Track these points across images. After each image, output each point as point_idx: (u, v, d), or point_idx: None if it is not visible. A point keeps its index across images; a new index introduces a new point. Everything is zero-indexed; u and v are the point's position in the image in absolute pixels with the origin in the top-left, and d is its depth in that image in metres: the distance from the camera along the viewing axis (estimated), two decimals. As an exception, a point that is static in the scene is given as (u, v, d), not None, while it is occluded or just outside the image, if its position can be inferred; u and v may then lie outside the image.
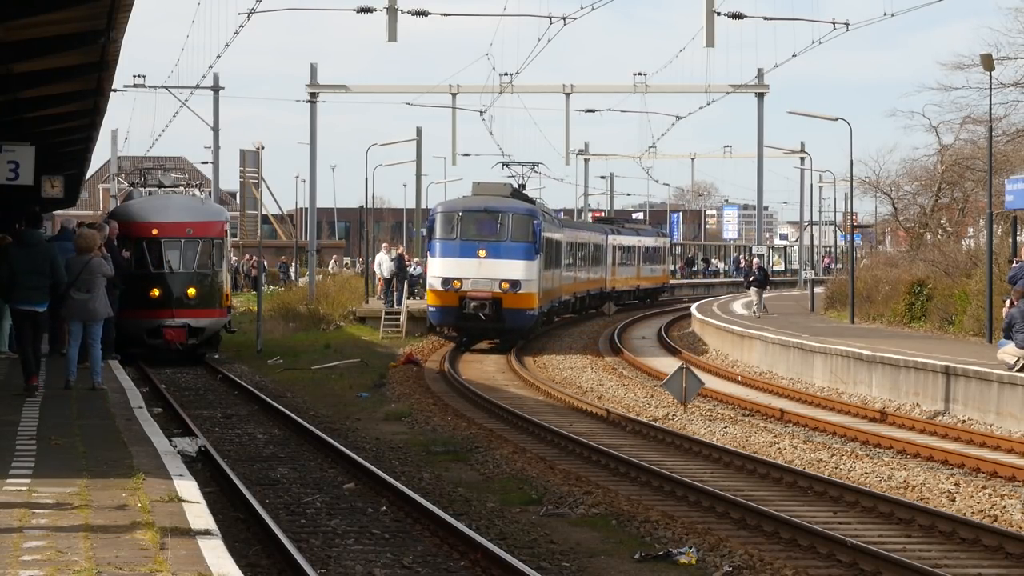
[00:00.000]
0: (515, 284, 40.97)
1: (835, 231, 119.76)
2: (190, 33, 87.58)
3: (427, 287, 43.37)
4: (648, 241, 71.14)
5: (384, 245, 59.48)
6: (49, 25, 18.12)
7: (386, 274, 52.71)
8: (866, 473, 19.85)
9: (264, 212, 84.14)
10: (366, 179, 70.41)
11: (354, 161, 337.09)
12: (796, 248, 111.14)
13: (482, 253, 41.04)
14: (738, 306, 56.67)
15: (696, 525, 15.79)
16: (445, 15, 46.55)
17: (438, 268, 41.63)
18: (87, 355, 20.53)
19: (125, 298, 30.40)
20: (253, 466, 19.93)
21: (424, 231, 48.32)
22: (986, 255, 35.19)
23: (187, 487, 12.16)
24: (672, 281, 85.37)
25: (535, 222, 41.80)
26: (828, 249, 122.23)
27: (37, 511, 10.95)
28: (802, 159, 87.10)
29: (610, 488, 18.24)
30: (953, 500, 17.73)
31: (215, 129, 60.46)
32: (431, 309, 42.47)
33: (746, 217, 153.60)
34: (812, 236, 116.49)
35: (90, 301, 20.05)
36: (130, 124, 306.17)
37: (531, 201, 45.84)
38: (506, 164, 50.06)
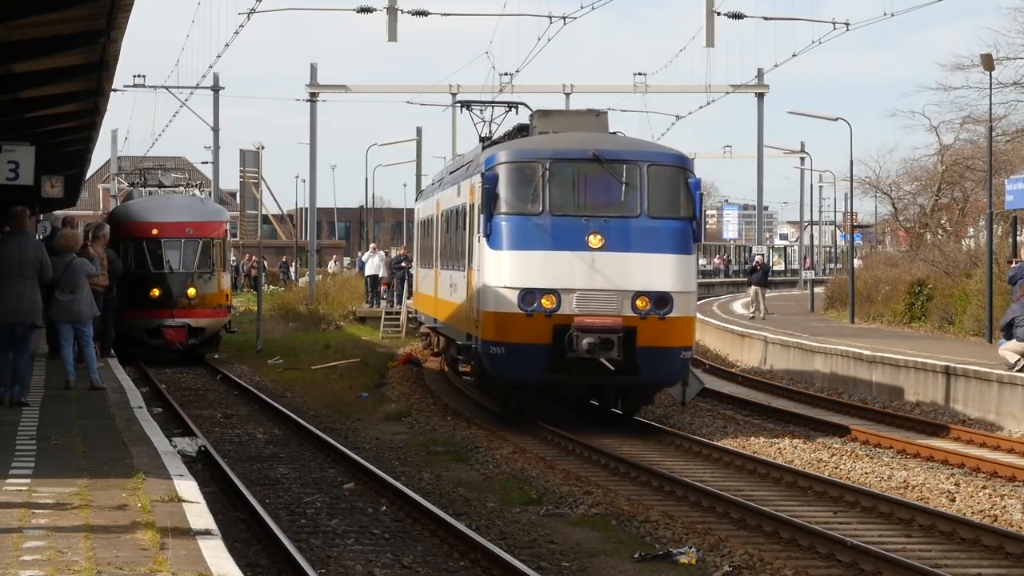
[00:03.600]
0: (663, 301, 23.00)
1: (835, 231, 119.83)
2: (190, 33, 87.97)
3: (475, 305, 24.49)
4: None
5: (372, 246, 59.71)
6: (49, 25, 18.13)
7: (367, 272, 52.89)
8: (866, 473, 19.84)
9: (264, 212, 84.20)
10: (366, 179, 70.87)
11: (354, 161, 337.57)
12: (796, 248, 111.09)
13: (595, 241, 23.08)
14: (738, 306, 56.69)
15: (696, 525, 15.79)
16: (445, 15, 46.70)
17: (508, 271, 23.29)
18: (83, 355, 20.55)
19: (125, 298, 30.43)
20: (253, 466, 19.93)
21: (465, 203, 26.67)
22: (986, 255, 35.21)
23: (187, 487, 12.16)
24: None
25: (691, 180, 23.71)
26: (827, 249, 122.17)
27: (37, 511, 10.95)
28: (802, 159, 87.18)
29: (610, 488, 18.23)
30: (953, 500, 17.73)
31: (215, 129, 60.48)
32: (493, 350, 23.40)
33: (746, 217, 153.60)
34: (812, 236, 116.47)
35: (75, 302, 19.98)
36: (130, 124, 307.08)
37: None
38: (465, 105, 31.70)
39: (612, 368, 22.63)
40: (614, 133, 25.94)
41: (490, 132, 32.03)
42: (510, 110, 32.22)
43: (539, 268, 23.09)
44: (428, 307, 33.44)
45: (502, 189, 23.52)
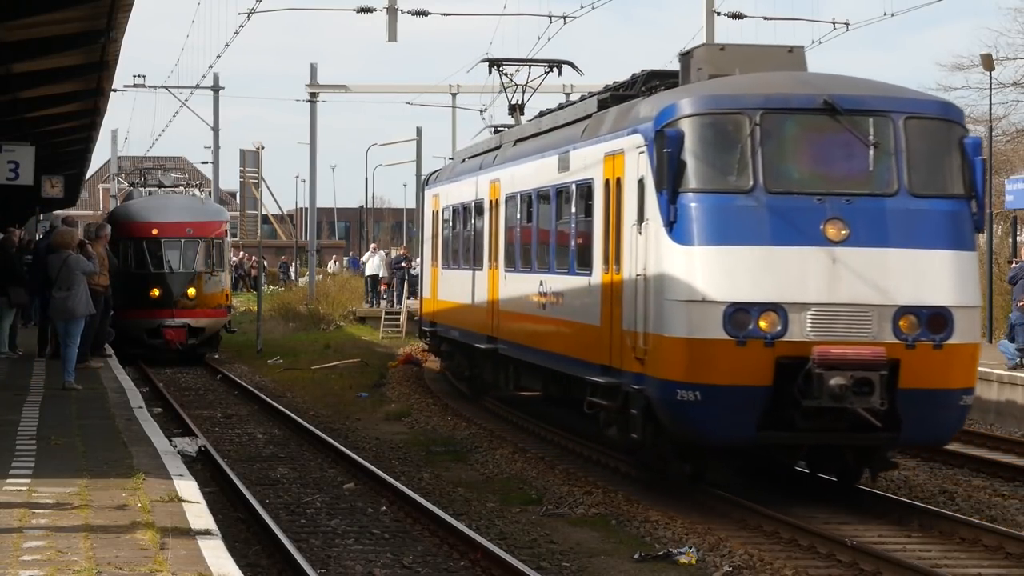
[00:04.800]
0: (940, 321, 15.96)
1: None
2: (190, 33, 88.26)
3: (638, 327, 16.90)
4: None
5: (372, 246, 59.95)
6: (49, 25, 18.17)
7: (368, 272, 53.11)
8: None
9: (264, 212, 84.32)
10: (366, 179, 70.95)
11: (354, 161, 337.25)
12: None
13: (836, 231, 15.96)
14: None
15: (696, 525, 15.78)
16: (445, 15, 46.69)
17: (706, 276, 15.95)
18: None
19: (125, 298, 30.46)
20: (253, 466, 19.94)
21: (586, 179, 19.50)
22: (986, 255, 35.23)
23: (187, 487, 12.17)
24: None
25: (967, 140, 16.70)
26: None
27: (37, 511, 10.96)
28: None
29: (610, 488, 18.23)
30: (953, 500, 17.72)
31: (215, 129, 60.52)
32: (681, 395, 15.90)
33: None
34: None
35: (69, 299, 20.00)
36: (130, 124, 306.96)
37: None
38: (495, 65, 27.42)
39: (875, 422, 15.55)
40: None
41: (523, 100, 27.58)
42: (551, 70, 27.03)
43: (754, 272, 15.78)
44: (468, 320, 26.43)
45: (691, 154, 16.10)
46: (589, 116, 20.13)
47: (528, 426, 24.23)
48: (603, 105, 19.91)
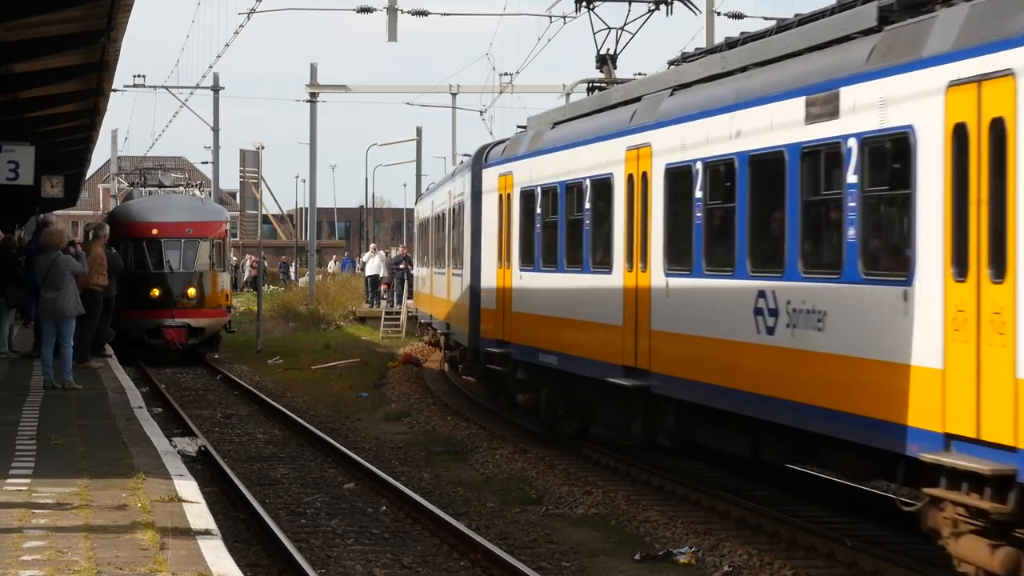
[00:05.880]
0: None
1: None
2: (190, 33, 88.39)
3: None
4: None
5: (372, 246, 60.09)
6: (49, 25, 18.18)
7: (368, 272, 53.27)
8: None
9: (264, 212, 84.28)
10: (366, 179, 71.05)
11: (354, 161, 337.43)
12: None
13: None
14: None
15: (696, 525, 15.77)
16: (445, 15, 46.69)
17: None
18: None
19: (125, 298, 30.48)
20: (253, 466, 19.94)
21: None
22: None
23: (187, 487, 12.17)
24: None
25: None
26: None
27: (37, 511, 10.96)
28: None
29: (610, 488, 18.22)
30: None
31: (215, 129, 60.52)
32: None
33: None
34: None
35: (58, 299, 20.00)
36: (130, 124, 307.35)
37: None
38: (585, 3, 22.67)
39: None
40: None
41: (615, 48, 22.50)
42: (657, 7, 21.98)
43: None
44: (580, 341, 19.65)
45: None
46: (870, 31, 13.15)
47: (528, 426, 24.22)
48: (885, 18, 12.94)
